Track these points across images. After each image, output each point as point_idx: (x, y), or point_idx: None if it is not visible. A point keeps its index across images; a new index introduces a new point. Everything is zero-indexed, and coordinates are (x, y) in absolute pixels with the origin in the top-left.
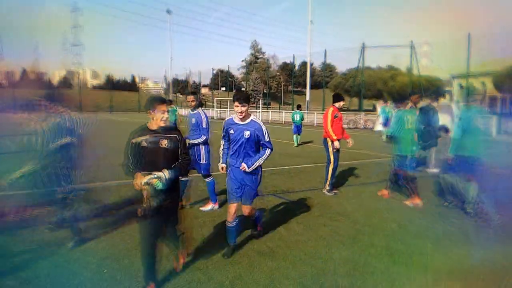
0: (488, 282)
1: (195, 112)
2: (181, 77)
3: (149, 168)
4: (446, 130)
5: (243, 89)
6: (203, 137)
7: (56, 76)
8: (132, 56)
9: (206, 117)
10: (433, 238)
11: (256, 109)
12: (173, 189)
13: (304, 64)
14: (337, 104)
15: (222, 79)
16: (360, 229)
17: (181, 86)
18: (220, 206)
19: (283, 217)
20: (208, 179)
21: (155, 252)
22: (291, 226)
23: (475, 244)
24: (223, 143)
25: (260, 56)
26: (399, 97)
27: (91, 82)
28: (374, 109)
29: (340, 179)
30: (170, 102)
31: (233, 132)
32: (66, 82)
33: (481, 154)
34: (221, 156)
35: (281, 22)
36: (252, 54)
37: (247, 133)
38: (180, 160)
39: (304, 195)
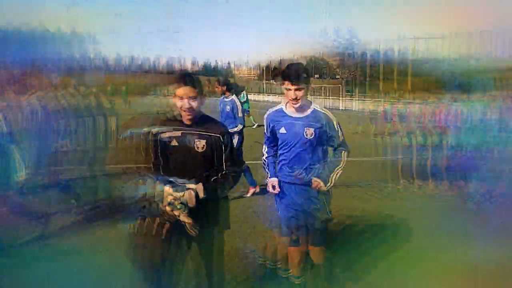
0: None
1: (229, 99)
2: (275, 63)
3: (174, 176)
4: None
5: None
6: (240, 126)
7: (159, 62)
8: (227, 42)
9: (242, 104)
10: None
11: (351, 97)
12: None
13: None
14: None
15: (317, 66)
16: None
17: (276, 73)
18: None
19: None
20: None
21: None
22: None
23: None
24: (266, 149)
25: (356, 42)
26: None
27: (191, 68)
28: None
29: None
30: (228, 88)
31: (284, 132)
32: (168, 69)
33: None
34: (266, 168)
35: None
36: (346, 40)
37: (309, 132)
38: (223, 173)
39: None
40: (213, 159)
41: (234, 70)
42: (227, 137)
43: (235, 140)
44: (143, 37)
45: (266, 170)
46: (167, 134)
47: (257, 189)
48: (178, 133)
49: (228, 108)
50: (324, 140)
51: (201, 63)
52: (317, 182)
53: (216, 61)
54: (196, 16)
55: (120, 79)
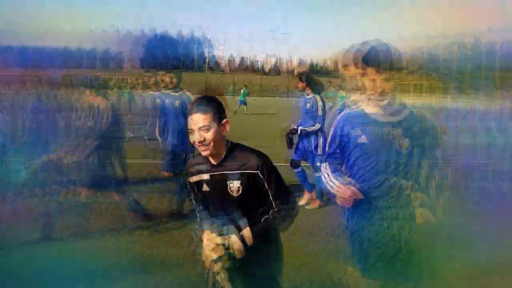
0: None
1: (310, 96)
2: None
3: (216, 219)
4: None
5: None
6: (318, 125)
7: (267, 63)
8: (335, 41)
9: (323, 103)
10: None
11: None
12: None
13: None
14: None
15: (424, 60)
16: None
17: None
18: None
19: None
20: (317, 174)
21: None
22: None
23: None
24: (327, 166)
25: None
26: None
27: (297, 69)
28: None
29: None
30: (309, 84)
31: (365, 141)
32: (275, 69)
33: None
34: (332, 182)
35: None
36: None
37: (405, 143)
38: (274, 210)
39: None
40: (256, 200)
41: (340, 70)
42: (268, 168)
43: (320, 142)
44: (251, 37)
45: (334, 184)
46: (195, 178)
47: (313, 195)
48: (207, 176)
49: (308, 105)
50: (424, 151)
51: (308, 62)
52: (425, 215)
53: (325, 59)
54: (303, 17)
55: (230, 79)
